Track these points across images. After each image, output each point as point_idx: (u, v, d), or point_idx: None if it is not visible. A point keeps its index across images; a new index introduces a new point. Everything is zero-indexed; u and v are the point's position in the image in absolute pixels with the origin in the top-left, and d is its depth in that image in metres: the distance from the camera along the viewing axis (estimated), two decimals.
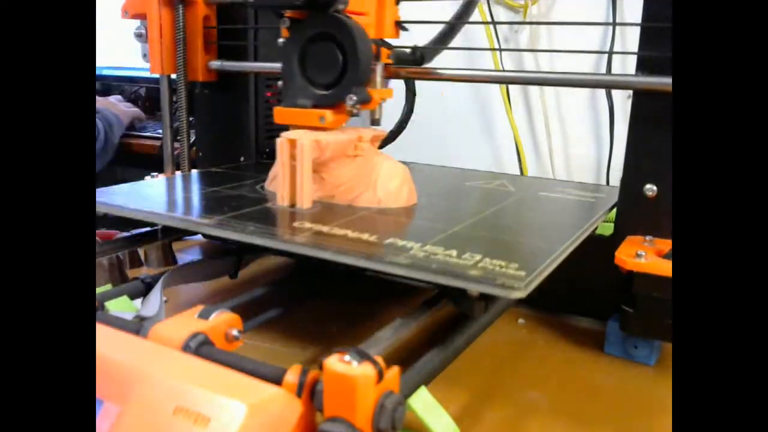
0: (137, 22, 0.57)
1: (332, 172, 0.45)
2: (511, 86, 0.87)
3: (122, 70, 1.16)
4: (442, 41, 0.57)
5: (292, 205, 0.43)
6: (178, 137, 0.59)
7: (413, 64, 0.52)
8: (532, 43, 0.86)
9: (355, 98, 0.43)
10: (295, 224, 0.39)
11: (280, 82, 0.47)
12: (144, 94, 1.17)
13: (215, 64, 0.58)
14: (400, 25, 0.48)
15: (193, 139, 0.62)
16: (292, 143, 0.42)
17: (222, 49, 0.59)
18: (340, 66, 0.44)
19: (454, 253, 0.34)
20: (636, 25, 0.42)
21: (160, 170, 0.59)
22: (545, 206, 0.49)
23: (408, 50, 0.52)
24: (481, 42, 0.87)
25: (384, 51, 0.47)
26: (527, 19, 0.84)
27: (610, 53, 0.79)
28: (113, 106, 0.98)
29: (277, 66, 0.59)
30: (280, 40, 0.46)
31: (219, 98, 0.61)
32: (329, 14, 0.43)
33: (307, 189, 0.43)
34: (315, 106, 0.45)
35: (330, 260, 0.35)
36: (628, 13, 0.79)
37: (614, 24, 0.78)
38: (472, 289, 0.32)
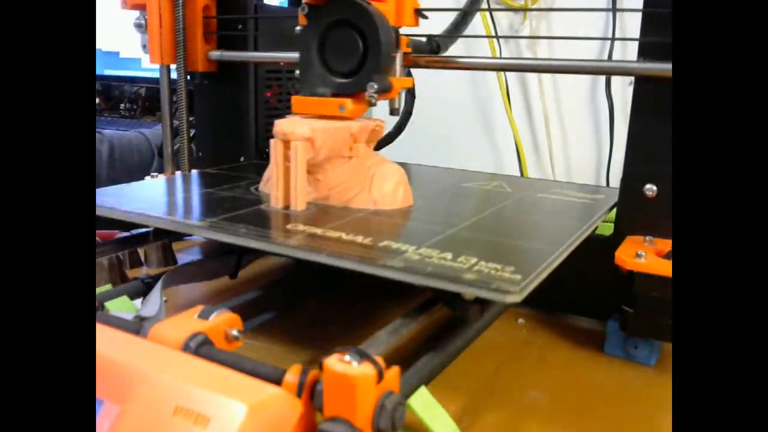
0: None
1: (327, 173, 0.45)
2: (511, 86, 0.87)
3: (123, 71, 1.16)
4: (455, 30, 0.55)
5: (286, 207, 0.43)
6: (178, 137, 0.59)
7: (429, 54, 0.51)
8: (533, 43, 0.86)
9: (376, 86, 0.43)
10: (289, 226, 0.39)
11: (297, 72, 0.46)
12: (144, 95, 1.17)
13: (215, 54, 0.58)
14: (419, 13, 0.47)
15: (193, 133, 0.62)
16: (286, 144, 0.42)
17: (222, 40, 0.59)
18: (361, 53, 0.43)
19: (449, 256, 0.34)
20: (637, 11, 0.42)
21: (160, 170, 0.59)
22: (543, 208, 0.48)
23: (424, 39, 0.51)
24: (482, 44, 0.87)
25: (403, 39, 0.47)
26: (527, 20, 0.85)
27: (612, 40, 0.80)
28: None
29: (277, 56, 0.59)
30: (298, 27, 0.46)
31: (219, 94, 0.61)
32: (350, 0, 0.43)
33: (302, 190, 0.42)
34: (334, 95, 0.44)
35: (323, 263, 0.34)
36: (628, 13, 0.79)
37: (614, 10, 0.78)
38: (467, 293, 0.31)
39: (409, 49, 0.48)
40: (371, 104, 0.44)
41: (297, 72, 0.46)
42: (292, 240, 0.36)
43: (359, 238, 0.37)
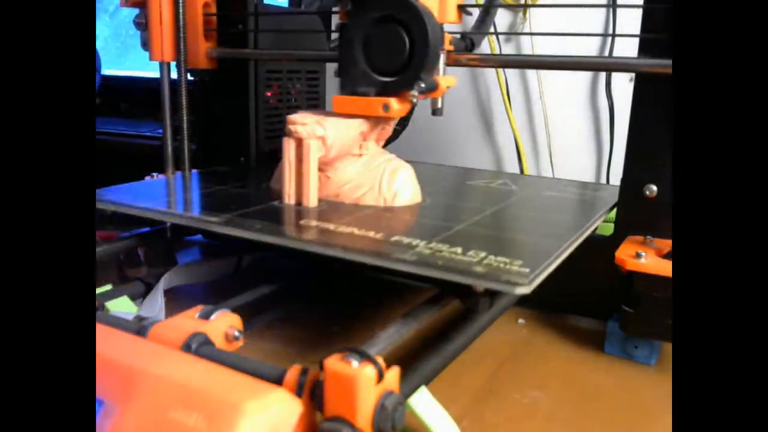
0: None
1: (337, 171, 0.45)
2: (511, 86, 0.87)
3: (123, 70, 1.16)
4: (483, 26, 0.54)
5: (298, 204, 0.44)
6: (178, 136, 0.59)
7: (465, 51, 0.50)
8: (533, 43, 0.86)
9: (423, 86, 0.42)
10: (302, 222, 0.40)
11: (336, 70, 0.45)
12: (144, 94, 1.17)
13: (215, 51, 0.58)
14: (463, 9, 0.46)
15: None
16: (298, 142, 0.43)
17: (222, 40, 0.59)
18: (408, 51, 0.42)
19: (459, 250, 0.35)
20: (637, 7, 0.42)
21: (160, 170, 0.59)
22: (548, 204, 0.49)
23: (459, 36, 0.49)
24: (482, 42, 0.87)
25: (446, 36, 0.45)
26: (527, 19, 0.85)
27: (612, 36, 0.80)
28: None
29: (277, 53, 0.59)
30: (338, 23, 0.45)
31: (219, 94, 0.61)
32: None
33: (313, 187, 0.43)
34: (378, 94, 0.44)
35: (337, 257, 0.35)
36: (628, 16, 0.79)
37: (614, 6, 0.78)
38: (478, 285, 0.32)
39: (452, 47, 0.47)
40: (413, 104, 0.43)
41: (336, 70, 0.45)
42: (307, 235, 0.37)
43: (371, 233, 0.37)
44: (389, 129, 0.48)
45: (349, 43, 0.44)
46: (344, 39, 0.44)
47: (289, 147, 0.43)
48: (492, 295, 0.37)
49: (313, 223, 0.40)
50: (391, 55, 0.43)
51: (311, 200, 0.43)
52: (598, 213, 0.46)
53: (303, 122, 0.43)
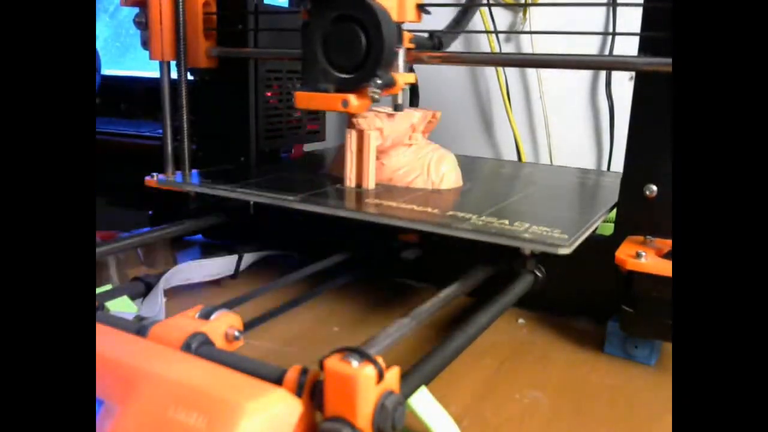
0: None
1: (391, 158, 0.52)
2: (511, 86, 0.87)
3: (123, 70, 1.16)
4: (456, 27, 0.56)
5: (358, 186, 0.50)
6: (178, 136, 0.59)
7: (432, 50, 0.52)
8: (533, 42, 0.86)
9: (379, 82, 0.43)
10: (366, 200, 0.46)
11: (301, 67, 0.47)
12: (144, 94, 1.16)
13: (216, 50, 0.58)
14: (422, 9, 0.47)
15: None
16: (360, 133, 0.49)
17: (222, 40, 0.59)
18: (364, 49, 0.44)
19: (506, 221, 0.41)
20: (637, 5, 0.42)
21: (160, 170, 0.58)
22: (574, 188, 0.56)
23: (426, 35, 0.52)
24: (482, 42, 0.87)
25: (406, 35, 0.47)
26: (527, 18, 0.85)
27: (613, 35, 0.80)
28: None
29: (278, 51, 0.59)
30: (301, 22, 0.46)
31: (219, 94, 0.61)
32: None
33: (372, 172, 0.50)
34: (338, 90, 0.45)
35: (403, 227, 0.42)
36: (629, 15, 0.79)
37: (614, 5, 0.78)
38: (527, 247, 0.38)
39: (412, 45, 0.48)
40: (374, 100, 0.45)
41: (301, 68, 0.46)
42: (375, 210, 0.43)
43: (429, 209, 0.44)
44: (435, 122, 0.54)
45: (309, 41, 0.46)
46: (305, 37, 0.46)
47: (351, 137, 0.50)
48: (537, 257, 0.44)
49: (376, 201, 0.46)
50: (348, 53, 0.45)
51: (370, 183, 0.50)
52: (617, 195, 0.50)
53: (364, 116, 0.49)
